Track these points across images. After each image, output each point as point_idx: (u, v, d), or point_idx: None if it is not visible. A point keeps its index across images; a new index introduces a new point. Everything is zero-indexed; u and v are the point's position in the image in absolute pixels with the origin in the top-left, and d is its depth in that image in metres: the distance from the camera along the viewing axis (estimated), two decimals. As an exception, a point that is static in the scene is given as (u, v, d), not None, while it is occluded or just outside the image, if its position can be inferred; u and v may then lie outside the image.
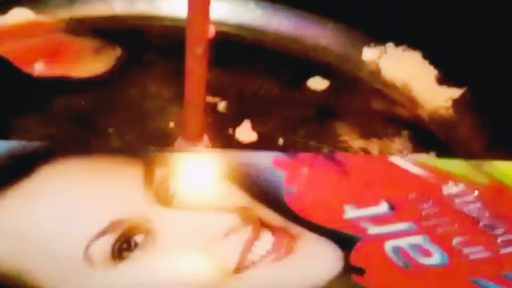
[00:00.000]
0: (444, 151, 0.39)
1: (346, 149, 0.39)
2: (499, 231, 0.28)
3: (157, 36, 0.46)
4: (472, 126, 0.41)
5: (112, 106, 0.40)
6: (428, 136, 0.41)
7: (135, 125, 0.39)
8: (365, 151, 0.39)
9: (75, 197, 0.27)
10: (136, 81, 0.42)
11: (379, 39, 0.46)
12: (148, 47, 0.44)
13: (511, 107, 0.40)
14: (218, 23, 0.45)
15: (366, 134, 0.40)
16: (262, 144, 0.39)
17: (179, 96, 0.34)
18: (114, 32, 0.45)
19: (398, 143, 0.40)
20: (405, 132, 0.41)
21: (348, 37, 0.46)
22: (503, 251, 0.27)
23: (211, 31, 0.33)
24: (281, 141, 0.39)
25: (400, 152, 0.39)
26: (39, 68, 0.41)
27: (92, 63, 0.43)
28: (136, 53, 0.44)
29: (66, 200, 0.26)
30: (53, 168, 0.28)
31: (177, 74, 0.34)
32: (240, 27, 0.47)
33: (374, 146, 0.40)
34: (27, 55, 0.42)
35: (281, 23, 0.47)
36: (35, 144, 0.29)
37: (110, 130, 0.39)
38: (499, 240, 0.27)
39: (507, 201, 0.29)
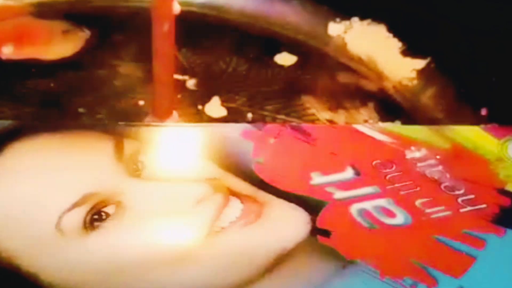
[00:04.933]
0: (409, 120, 0.40)
1: (313, 121, 0.40)
2: (459, 191, 0.28)
3: (123, 17, 0.46)
4: (435, 96, 0.42)
5: (81, 87, 0.40)
6: (393, 106, 0.42)
7: (105, 105, 0.39)
8: (332, 123, 0.40)
9: (46, 171, 0.27)
10: (105, 62, 0.42)
11: (345, 14, 0.46)
12: (115, 28, 0.45)
13: (471, 76, 0.41)
14: (184, 3, 0.45)
15: (333, 106, 0.41)
16: (232, 119, 0.39)
17: (147, 75, 0.35)
18: (81, 14, 0.45)
19: (365, 114, 0.41)
20: (371, 104, 0.42)
21: (314, 13, 0.47)
22: (463, 210, 0.28)
23: (176, 8, 0.33)
24: (250, 115, 0.40)
25: (366, 122, 0.40)
26: (7, 51, 0.41)
27: (60, 45, 0.43)
28: (104, 35, 0.44)
29: (37, 175, 0.27)
30: (23, 145, 0.28)
31: (144, 54, 0.34)
32: (206, 6, 0.47)
33: (341, 117, 0.41)
34: (-5, 39, 0.42)
35: (247, 1, 0.48)
36: (3, 123, 0.29)
37: (81, 110, 0.39)
38: (460, 200, 0.28)
39: (467, 163, 0.30)
